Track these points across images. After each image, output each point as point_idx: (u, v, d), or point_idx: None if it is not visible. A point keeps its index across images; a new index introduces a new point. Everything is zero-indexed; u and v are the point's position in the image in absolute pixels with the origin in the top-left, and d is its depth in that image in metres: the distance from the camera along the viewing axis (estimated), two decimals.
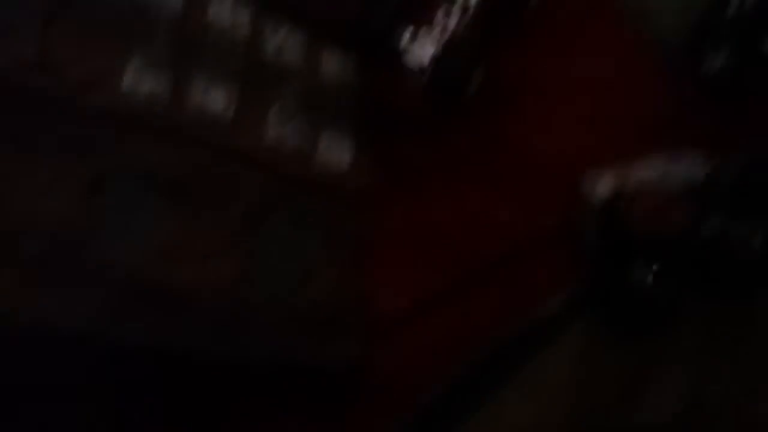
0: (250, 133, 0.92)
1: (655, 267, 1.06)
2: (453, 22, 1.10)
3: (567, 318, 1.08)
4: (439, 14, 1.11)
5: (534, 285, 1.10)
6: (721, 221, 1.08)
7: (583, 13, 1.32)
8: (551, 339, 1.07)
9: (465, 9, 1.11)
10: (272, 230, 0.92)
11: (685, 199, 1.05)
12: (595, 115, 1.24)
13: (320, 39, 1.04)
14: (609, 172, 1.13)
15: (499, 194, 1.14)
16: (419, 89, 1.08)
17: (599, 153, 1.17)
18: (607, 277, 1.09)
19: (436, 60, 1.07)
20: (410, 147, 1.12)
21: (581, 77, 1.27)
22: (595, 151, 1.18)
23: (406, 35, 1.08)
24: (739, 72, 1.22)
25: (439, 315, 1.03)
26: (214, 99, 0.90)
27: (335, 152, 0.99)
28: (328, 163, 0.98)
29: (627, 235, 1.04)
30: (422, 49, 1.08)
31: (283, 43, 0.99)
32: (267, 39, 0.98)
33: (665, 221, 1.01)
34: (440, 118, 1.13)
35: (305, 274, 0.93)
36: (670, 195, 1.05)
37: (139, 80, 0.85)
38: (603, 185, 1.11)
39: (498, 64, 1.19)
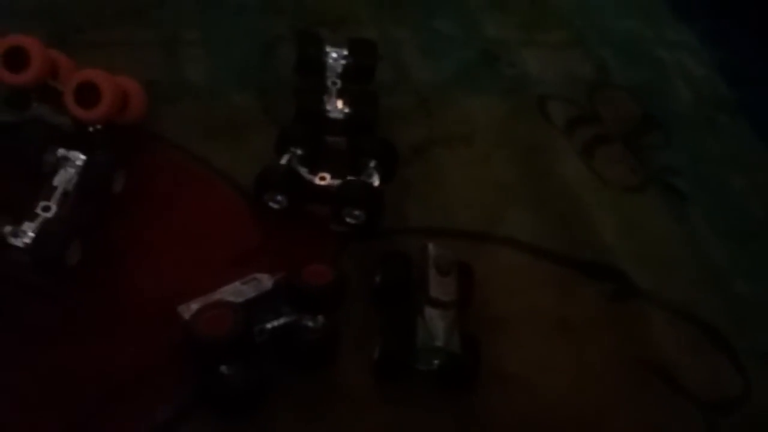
0: None
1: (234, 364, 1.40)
2: (50, 213, 1.46)
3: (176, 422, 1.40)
4: (38, 208, 1.46)
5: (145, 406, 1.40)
6: (285, 317, 1.47)
7: (179, 179, 1.72)
8: None
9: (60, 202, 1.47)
10: None
11: (242, 308, 1.42)
12: (194, 258, 1.61)
13: None
14: (197, 301, 1.49)
15: (113, 339, 1.45)
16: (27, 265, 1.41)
17: (197, 288, 1.52)
18: (203, 379, 1.42)
19: (35, 240, 1.40)
20: (31, 311, 1.43)
21: (181, 230, 1.64)
22: (194, 286, 1.53)
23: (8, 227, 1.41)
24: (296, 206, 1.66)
25: None
26: None
27: None
28: None
29: (198, 343, 1.38)
30: (24, 235, 1.41)
31: None
32: None
33: (221, 327, 1.37)
34: (51, 285, 1.45)
35: None
36: (229, 307, 1.42)
37: None
38: (189, 312, 1.46)
39: (104, 234, 1.54)
